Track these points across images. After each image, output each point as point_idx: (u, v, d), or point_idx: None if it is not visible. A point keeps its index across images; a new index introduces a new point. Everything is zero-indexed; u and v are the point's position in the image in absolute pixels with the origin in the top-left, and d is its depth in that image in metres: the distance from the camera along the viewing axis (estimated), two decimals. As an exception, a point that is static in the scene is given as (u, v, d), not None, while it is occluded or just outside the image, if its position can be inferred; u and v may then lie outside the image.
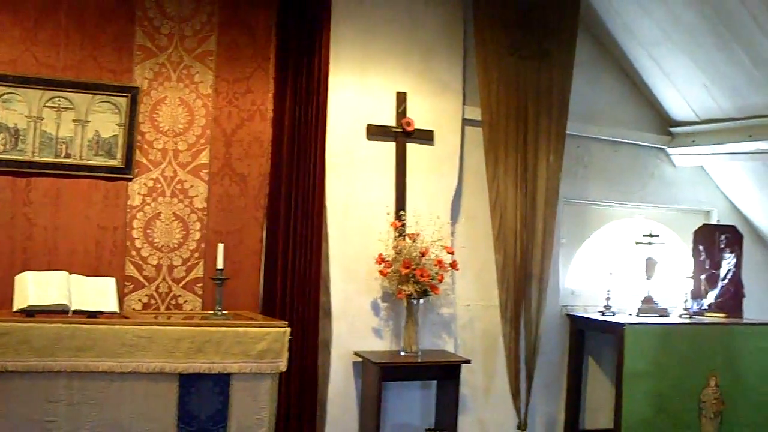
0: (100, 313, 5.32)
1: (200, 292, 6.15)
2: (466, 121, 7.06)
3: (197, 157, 6.19)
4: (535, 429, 7.31)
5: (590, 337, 7.55)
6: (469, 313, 7.08)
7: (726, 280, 7.66)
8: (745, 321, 7.50)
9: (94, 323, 5.14)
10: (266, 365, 5.38)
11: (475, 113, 6.93)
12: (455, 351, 6.90)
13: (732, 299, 7.65)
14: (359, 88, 6.67)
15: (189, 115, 6.16)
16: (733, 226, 7.87)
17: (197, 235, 6.17)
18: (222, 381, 5.31)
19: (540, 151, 6.95)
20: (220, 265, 5.69)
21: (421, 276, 6.24)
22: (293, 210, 6.25)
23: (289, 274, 6.21)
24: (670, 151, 8.02)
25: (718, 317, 7.52)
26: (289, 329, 5.46)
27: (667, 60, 7.25)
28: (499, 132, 6.83)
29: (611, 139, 7.80)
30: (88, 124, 5.91)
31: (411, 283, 6.27)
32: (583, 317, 7.42)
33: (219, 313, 5.60)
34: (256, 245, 6.30)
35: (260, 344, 5.34)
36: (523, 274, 6.84)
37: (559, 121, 7.06)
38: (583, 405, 7.59)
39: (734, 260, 7.67)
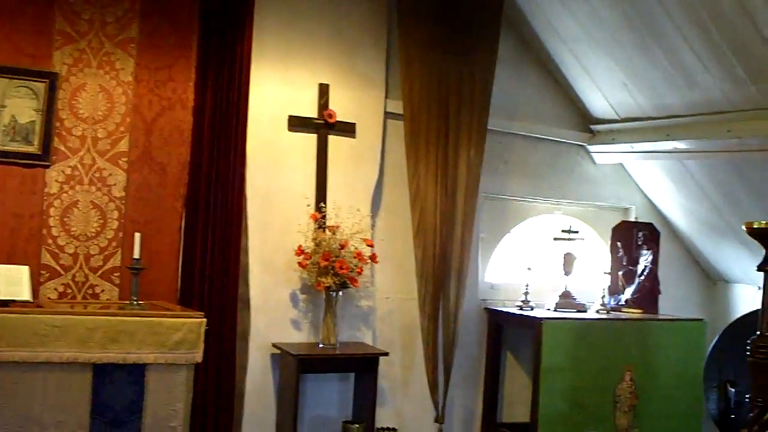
0: (13, 301, 5.29)
1: (117, 282, 6.14)
2: (388, 115, 7.16)
3: (116, 145, 6.18)
4: (452, 422, 7.44)
5: (508, 332, 7.70)
6: (388, 305, 7.18)
7: (642, 277, 7.87)
8: (660, 317, 7.71)
9: (5, 312, 5.11)
10: (182, 356, 5.38)
11: (397, 107, 7.03)
12: (374, 343, 7.00)
13: (648, 295, 7.86)
14: (281, 79, 6.73)
15: (109, 102, 6.15)
16: (650, 224, 8.08)
17: (115, 224, 6.16)
18: (137, 371, 5.30)
19: (461, 146, 7.07)
20: (136, 254, 5.70)
21: (341, 268, 6.32)
22: (212, 200, 6.29)
23: (208, 264, 6.25)
24: (590, 148, 8.20)
25: (634, 313, 7.72)
26: (205, 320, 5.47)
27: (588, 58, 7.41)
28: (421, 126, 6.93)
29: (532, 135, 7.95)
30: (5, 110, 5.88)
31: (330, 275, 6.35)
32: (501, 311, 7.56)
33: (135, 303, 5.62)
34: (175, 235, 6.31)
35: (176, 335, 5.35)
36: (442, 267, 6.95)
37: (481, 117, 7.18)
38: (500, 398, 7.74)
39: (651, 257, 7.88)
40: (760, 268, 2.67)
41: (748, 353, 2.68)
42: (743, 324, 6.47)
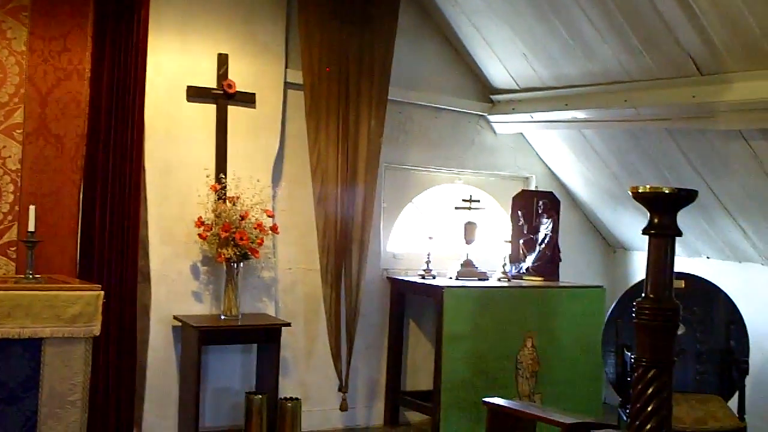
0: None
1: (14, 256, 6.12)
2: (288, 85, 7.26)
3: (10, 117, 6.14)
4: (356, 391, 7.62)
5: (411, 300, 7.89)
6: (291, 276, 7.31)
7: (543, 245, 8.11)
8: (560, 284, 7.97)
9: None
10: (79, 329, 5.40)
11: (298, 77, 7.13)
12: (276, 314, 7.13)
13: (549, 263, 8.11)
14: (179, 49, 6.77)
15: (1, 72, 6.11)
16: (550, 193, 8.32)
17: (11, 198, 6.13)
18: (33, 346, 5.30)
19: (361, 116, 7.20)
20: (31, 227, 5.70)
21: (241, 239, 6.41)
22: (111, 172, 6.30)
23: (107, 237, 6.27)
24: (491, 118, 8.40)
25: (535, 280, 7.97)
26: (102, 293, 5.51)
27: (488, 28, 7.59)
28: (321, 96, 7.05)
29: (433, 105, 8.12)
30: None
31: (230, 246, 6.43)
32: (404, 280, 7.74)
33: (30, 276, 5.62)
34: (73, 208, 6.30)
35: (72, 308, 5.37)
36: (343, 237, 7.10)
37: (381, 87, 7.32)
38: (404, 367, 7.93)
39: (551, 225, 8.12)
40: (645, 232, 2.85)
41: (633, 315, 2.85)
42: (639, 290, 6.71)
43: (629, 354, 6.14)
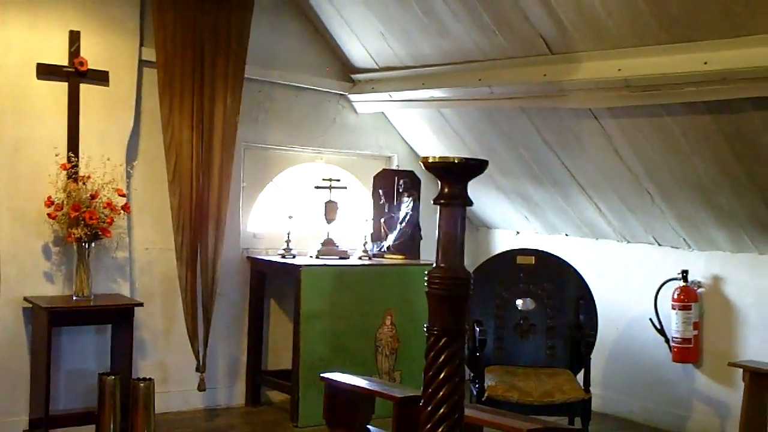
0: None
1: None
2: (144, 63, 7.23)
3: None
4: (216, 371, 7.67)
5: (271, 280, 7.96)
6: (147, 256, 7.31)
7: (404, 223, 8.22)
8: (421, 262, 8.11)
9: None
10: None
11: (153, 55, 7.10)
12: (132, 295, 7.14)
13: (409, 241, 8.25)
14: (29, 25, 6.68)
15: None
16: (411, 172, 8.46)
17: None
18: None
19: (217, 95, 7.22)
20: None
21: (90, 219, 6.38)
22: (-44, 151, 6.21)
23: (-48, 217, 6.19)
24: (351, 97, 8.51)
25: (395, 259, 8.08)
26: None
27: (346, 7, 7.69)
28: (175, 74, 7.05)
29: (293, 84, 8.19)
30: None
31: (81, 226, 6.40)
32: (264, 260, 7.81)
33: None
34: None
35: None
36: (199, 216, 7.13)
37: (237, 65, 7.36)
38: (264, 346, 8.02)
39: (412, 204, 8.24)
40: (435, 201, 2.95)
41: (426, 284, 2.97)
42: (489, 266, 6.91)
43: (479, 329, 6.30)
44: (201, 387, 7.28)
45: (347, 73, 8.44)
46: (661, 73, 5.78)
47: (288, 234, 7.77)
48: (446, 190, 2.92)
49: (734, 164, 6.27)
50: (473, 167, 2.91)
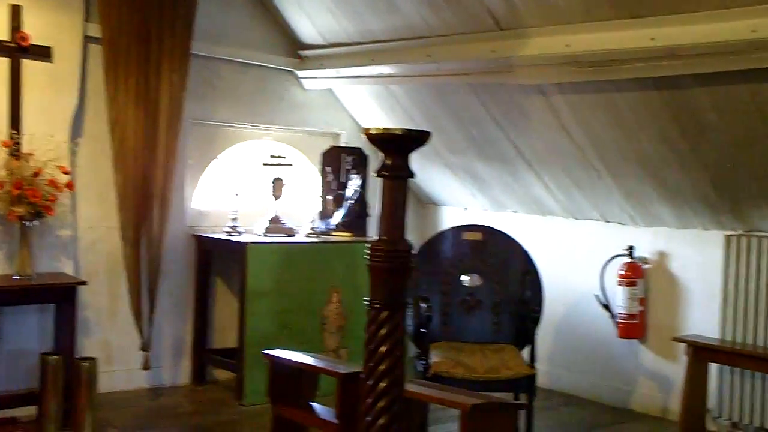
0: None
1: None
2: (89, 39, 7.10)
3: None
4: (162, 349, 7.62)
5: (217, 258, 7.91)
6: (92, 235, 7.22)
7: (352, 200, 8.18)
8: (368, 239, 8.06)
9: None
10: None
11: (98, 30, 6.98)
12: (77, 274, 7.05)
13: (357, 218, 8.23)
14: (-33, -1, 6.55)
15: None
16: (359, 148, 8.43)
17: None
18: None
19: (163, 71, 7.13)
20: None
21: (33, 197, 6.28)
22: None
23: None
24: (299, 74, 8.45)
25: (343, 236, 8.05)
26: None
27: (294, -18, 7.62)
28: (120, 51, 6.95)
29: (241, 60, 8.11)
30: None
31: (23, 204, 6.29)
32: (210, 237, 7.75)
33: None
34: None
35: None
36: (144, 194, 7.05)
37: (183, 41, 7.27)
38: (210, 325, 7.97)
39: (360, 181, 8.21)
40: (378, 174, 2.92)
41: (367, 257, 2.94)
42: (435, 242, 6.90)
43: (425, 306, 6.28)
44: (146, 366, 7.22)
45: (295, 49, 8.37)
46: (609, 48, 5.80)
47: (234, 211, 7.71)
48: (388, 161, 2.88)
49: (680, 140, 6.30)
50: (415, 139, 2.88)
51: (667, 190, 6.89)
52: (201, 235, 7.82)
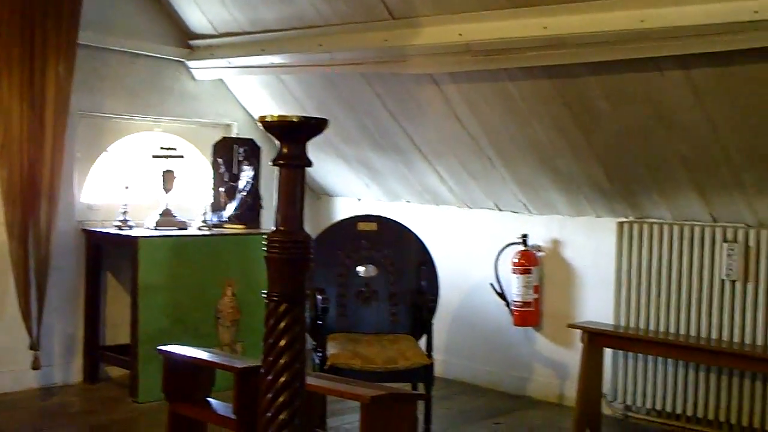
0: None
1: None
2: (-30, 29, 6.85)
3: None
4: (52, 348, 7.41)
5: (108, 253, 7.74)
6: (-25, 233, 6.99)
7: (244, 192, 8.08)
8: (261, 231, 7.96)
9: None
10: None
11: (-22, 21, 6.75)
12: (-38, 272, 6.81)
13: (250, 210, 8.12)
14: None
15: None
16: (251, 140, 8.32)
17: None
18: None
19: (48, 62, 6.92)
20: None
21: None
22: None
23: None
24: (190, 64, 8.30)
25: (236, 228, 7.94)
26: None
27: (180, -29, 7.48)
28: (2, 41, 6.73)
29: (129, 51, 7.91)
30: None
31: None
32: (100, 232, 7.57)
33: None
34: None
35: None
36: (30, 189, 6.85)
37: (70, 31, 7.06)
38: (103, 321, 7.78)
39: (252, 173, 8.10)
40: (274, 162, 2.84)
41: (264, 249, 2.86)
42: (330, 233, 6.85)
43: (320, 297, 6.23)
44: (35, 365, 7.03)
45: (185, 39, 8.22)
46: (502, 37, 5.82)
47: (125, 205, 7.53)
48: (285, 150, 2.81)
49: (573, 129, 6.36)
50: (312, 126, 2.82)
51: (560, 179, 6.95)
52: (91, 230, 7.62)
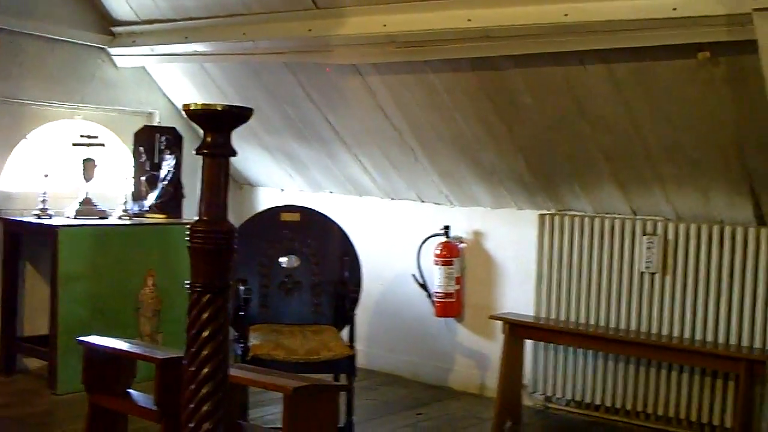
0: None
1: None
2: None
3: None
4: (-32, 340, 7.24)
5: (27, 242, 7.61)
6: None
7: (166, 181, 7.99)
8: (183, 221, 7.90)
9: None
10: None
11: None
12: None
13: (172, 200, 8.03)
14: None
15: None
16: (173, 128, 8.23)
17: None
18: None
19: (-36, 46, 6.77)
20: None
21: None
22: None
23: None
24: (111, 51, 8.18)
25: (157, 218, 7.86)
26: None
27: (104, -44, 7.37)
28: None
29: (49, 36, 7.75)
30: None
31: None
32: (18, 221, 7.43)
33: None
34: None
35: None
36: (-55, 176, 6.68)
37: (-16, 15, 6.91)
38: (20, 312, 7.63)
39: (174, 162, 8.01)
40: (198, 152, 2.81)
41: (187, 238, 2.83)
42: (252, 223, 6.80)
43: (243, 288, 6.18)
44: (-49, 359, 6.89)
45: (107, 25, 8.08)
46: (425, 29, 5.83)
47: (44, 193, 7.40)
48: (209, 139, 2.78)
49: (496, 122, 6.40)
50: (237, 115, 2.79)
51: (482, 171, 6.99)
52: (8, 219, 7.47)
